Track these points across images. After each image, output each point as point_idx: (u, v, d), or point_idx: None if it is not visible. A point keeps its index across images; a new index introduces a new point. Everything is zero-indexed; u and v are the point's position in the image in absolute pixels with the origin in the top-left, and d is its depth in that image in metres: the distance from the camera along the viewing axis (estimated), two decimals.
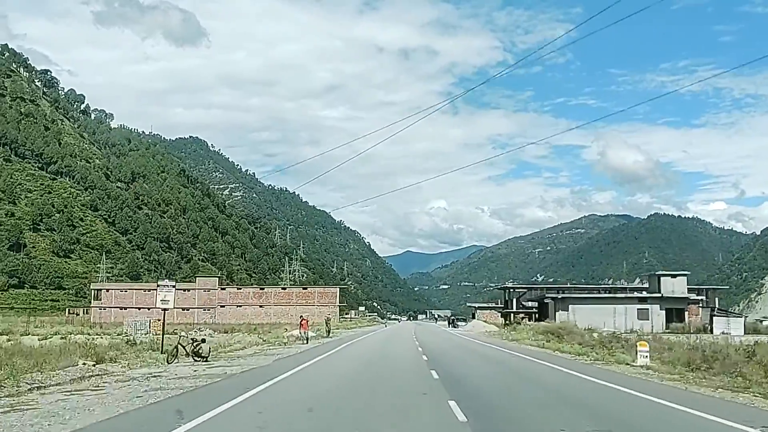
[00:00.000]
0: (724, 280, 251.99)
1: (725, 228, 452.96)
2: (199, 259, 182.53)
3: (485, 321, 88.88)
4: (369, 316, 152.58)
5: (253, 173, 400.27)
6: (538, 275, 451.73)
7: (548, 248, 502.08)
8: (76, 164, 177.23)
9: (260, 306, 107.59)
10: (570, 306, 68.47)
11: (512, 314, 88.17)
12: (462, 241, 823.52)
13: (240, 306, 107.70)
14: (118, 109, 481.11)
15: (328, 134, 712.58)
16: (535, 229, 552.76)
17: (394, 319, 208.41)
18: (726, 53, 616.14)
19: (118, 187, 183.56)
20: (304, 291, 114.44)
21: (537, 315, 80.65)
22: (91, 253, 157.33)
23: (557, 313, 68.34)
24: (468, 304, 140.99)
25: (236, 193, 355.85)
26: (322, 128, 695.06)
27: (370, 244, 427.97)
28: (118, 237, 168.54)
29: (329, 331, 51.05)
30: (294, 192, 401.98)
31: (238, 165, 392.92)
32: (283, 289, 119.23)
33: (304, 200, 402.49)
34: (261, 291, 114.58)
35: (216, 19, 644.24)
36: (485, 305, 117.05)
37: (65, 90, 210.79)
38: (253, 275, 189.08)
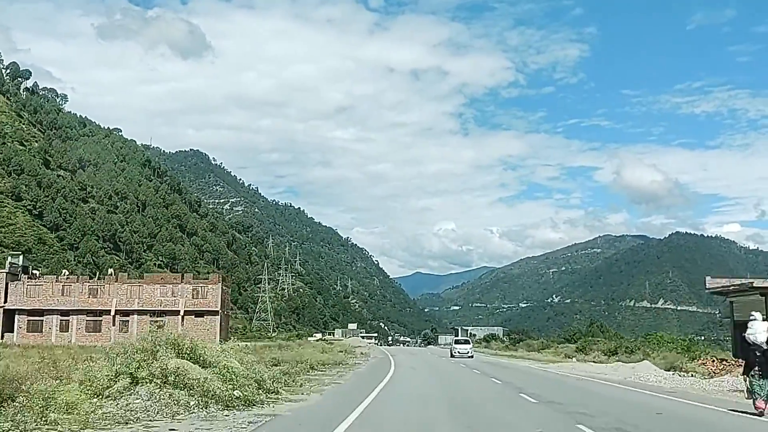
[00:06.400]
0: None
1: (750, 248, 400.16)
2: (154, 263, 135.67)
3: None
4: (361, 337, 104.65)
5: (256, 188, 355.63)
6: (554, 296, 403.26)
7: (563, 268, 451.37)
8: (5, 146, 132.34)
9: None
10: None
11: None
12: (472, 262, 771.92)
13: None
14: (127, 128, 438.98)
15: (338, 155, 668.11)
16: (548, 250, 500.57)
17: (398, 343, 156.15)
18: (743, 73, 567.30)
19: (59, 175, 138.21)
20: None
21: None
22: (3, 252, 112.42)
23: None
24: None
25: (237, 208, 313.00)
26: (333, 149, 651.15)
27: (378, 263, 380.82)
28: (44, 233, 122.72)
29: None
30: (299, 208, 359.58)
31: (240, 179, 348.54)
32: None
33: (309, 216, 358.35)
34: None
35: (226, 38, 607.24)
36: None
37: (5, 63, 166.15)
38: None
